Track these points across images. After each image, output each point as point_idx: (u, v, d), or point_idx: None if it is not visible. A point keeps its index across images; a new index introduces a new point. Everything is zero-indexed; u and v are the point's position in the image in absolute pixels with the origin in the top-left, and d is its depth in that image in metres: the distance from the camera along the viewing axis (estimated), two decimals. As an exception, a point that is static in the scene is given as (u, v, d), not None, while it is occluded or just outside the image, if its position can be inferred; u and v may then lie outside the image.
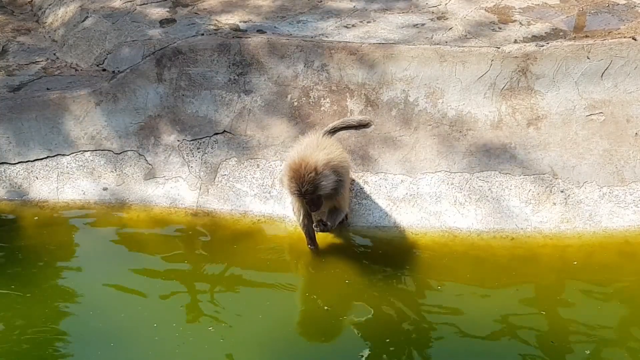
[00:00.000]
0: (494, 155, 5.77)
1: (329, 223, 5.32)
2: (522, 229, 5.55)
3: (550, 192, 5.66)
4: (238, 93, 6.10)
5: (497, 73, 5.88)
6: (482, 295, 5.12)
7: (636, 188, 5.63)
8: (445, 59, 5.93)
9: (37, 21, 7.53)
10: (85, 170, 6.05)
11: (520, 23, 6.48)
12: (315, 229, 5.33)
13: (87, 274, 5.35)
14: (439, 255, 5.40)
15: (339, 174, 5.11)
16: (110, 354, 4.70)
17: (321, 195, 5.07)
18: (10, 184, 6.03)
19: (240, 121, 6.06)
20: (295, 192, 5.01)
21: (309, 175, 4.95)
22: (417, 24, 6.52)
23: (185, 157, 6.02)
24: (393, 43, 6.16)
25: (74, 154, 6.10)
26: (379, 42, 6.19)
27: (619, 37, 5.97)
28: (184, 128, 6.09)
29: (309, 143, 5.20)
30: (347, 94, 6.02)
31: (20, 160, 6.10)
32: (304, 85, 6.06)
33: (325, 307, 5.07)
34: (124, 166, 6.05)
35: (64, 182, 6.01)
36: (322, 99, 6.04)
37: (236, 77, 6.13)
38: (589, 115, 5.81)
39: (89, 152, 6.10)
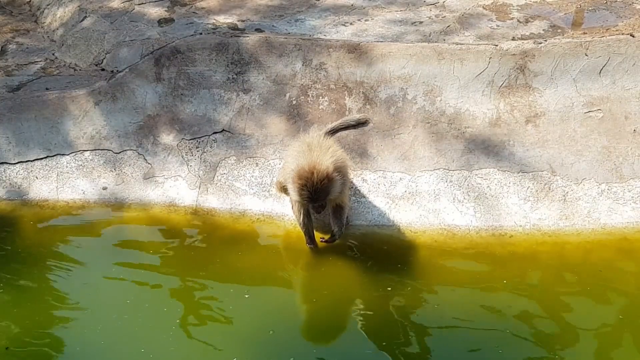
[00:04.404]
0: (492, 153, 5.78)
1: (336, 229, 5.32)
2: (520, 226, 5.55)
3: (549, 189, 5.67)
4: (237, 92, 6.11)
5: (495, 70, 5.89)
6: (481, 293, 5.13)
7: (634, 185, 5.64)
8: (443, 57, 5.93)
9: (35, 21, 7.54)
10: (84, 169, 6.06)
11: (518, 20, 6.48)
12: (326, 242, 5.39)
13: (87, 273, 5.36)
14: (437, 253, 5.41)
15: (343, 174, 5.11)
16: (108, 352, 4.71)
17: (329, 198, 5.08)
18: (10, 183, 6.04)
19: (239, 120, 6.07)
20: (307, 199, 4.98)
21: (322, 182, 4.92)
22: (415, 22, 6.53)
23: (185, 156, 6.03)
24: (391, 41, 6.16)
25: (74, 154, 6.11)
26: (377, 40, 6.19)
27: (616, 34, 5.98)
28: (183, 127, 6.10)
29: (311, 146, 5.17)
30: (346, 92, 6.03)
31: (19, 160, 6.11)
32: (302, 84, 6.07)
33: (324, 306, 5.08)
34: (123, 165, 6.06)
35: (63, 181, 6.02)
36: (321, 97, 6.04)
37: (234, 76, 6.14)
38: (587, 112, 5.81)
39: (88, 152, 6.11)
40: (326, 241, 5.45)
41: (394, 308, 5.03)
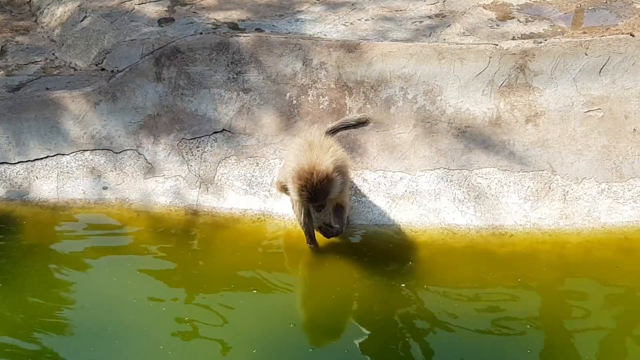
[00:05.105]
0: (492, 152, 5.79)
1: (337, 226, 5.33)
2: (521, 225, 5.56)
3: (549, 188, 5.68)
4: (237, 91, 6.11)
5: (496, 70, 5.89)
6: (481, 292, 5.14)
7: (634, 184, 5.65)
8: (443, 56, 5.94)
9: (35, 21, 7.54)
10: (85, 169, 6.06)
11: (518, 20, 6.49)
12: (325, 236, 5.38)
13: (87, 273, 5.36)
14: (438, 252, 5.42)
15: (343, 174, 5.12)
16: (107, 352, 4.71)
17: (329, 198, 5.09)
18: (10, 183, 6.04)
19: (239, 119, 6.07)
20: (307, 199, 5.00)
21: (322, 183, 4.93)
22: (415, 21, 6.53)
23: (185, 155, 6.03)
24: (391, 40, 6.17)
25: (74, 154, 6.11)
26: (377, 39, 6.20)
27: (616, 34, 5.98)
28: (183, 127, 6.10)
29: (311, 145, 5.17)
30: (346, 91, 6.03)
31: (20, 160, 6.11)
32: (302, 84, 6.07)
33: (325, 306, 5.09)
34: (123, 165, 6.06)
35: (64, 181, 6.02)
36: (321, 97, 6.05)
37: (235, 76, 6.14)
38: (587, 111, 5.82)
39: (88, 152, 6.11)
40: (325, 232, 5.41)
41: (394, 307, 5.04)
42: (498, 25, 6.41)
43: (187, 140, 6.06)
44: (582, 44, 5.87)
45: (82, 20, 7.02)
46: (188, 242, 5.60)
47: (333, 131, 5.80)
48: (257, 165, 5.95)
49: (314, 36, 6.31)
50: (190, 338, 4.80)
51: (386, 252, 5.45)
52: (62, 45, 7.01)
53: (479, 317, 4.93)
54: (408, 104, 5.95)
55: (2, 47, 7.14)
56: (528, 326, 4.87)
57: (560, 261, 5.34)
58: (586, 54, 5.85)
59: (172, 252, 5.52)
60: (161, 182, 5.98)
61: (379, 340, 4.81)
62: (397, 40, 6.17)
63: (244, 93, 6.11)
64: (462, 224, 5.58)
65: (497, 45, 5.96)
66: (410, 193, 5.73)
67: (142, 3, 7.08)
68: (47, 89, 6.39)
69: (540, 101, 5.85)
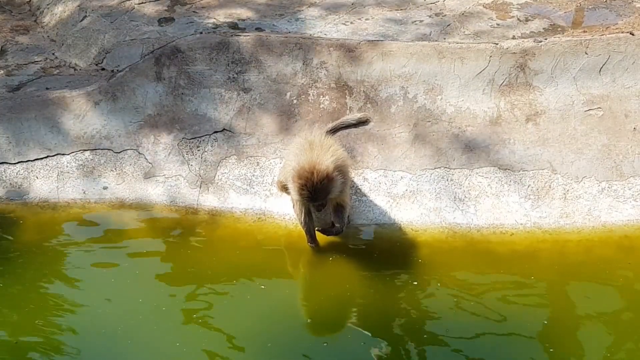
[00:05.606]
0: (493, 151, 5.79)
1: (337, 225, 5.34)
2: (521, 224, 5.57)
3: (550, 187, 5.68)
4: (237, 91, 6.11)
5: (496, 69, 5.90)
6: (481, 292, 5.14)
7: (635, 183, 5.66)
8: (443, 56, 5.94)
9: (35, 21, 7.53)
10: (85, 169, 6.06)
11: (518, 19, 6.49)
12: (326, 234, 5.40)
13: (89, 274, 5.37)
14: (438, 251, 5.43)
15: (344, 173, 5.13)
16: (121, 352, 4.71)
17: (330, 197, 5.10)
18: (10, 183, 6.03)
19: (240, 119, 6.07)
20: (307, 198, 5.01)
21: (322, 183, 4.94)
22: (415, 21, 6.54)
23: (185, 155, 6.03)
24: (392, 40, 6.17)
25: (74, 153, 6.11)
26: (377, 39, 6.20)
27: (616, 33, 5.99)
28: (184, 126, 6.10)
29: (312, 145, 5.17)
30: (346, 91, 6.04)
31: (20, 160, 6.10)
32: (302, 83, 6.08)
33: (326, 305, 5.09)
34: (124, 165, 6.06)
35: (64, 181, 6.02)
36: (321, 96, 6.05)
37: (235, 75, 6.14)
38: (588, 110, 5.83)
39: (88, 152, 6.11)
40: (325, 231, 5.43)
41: (395, 307, 5.04)
42: (498, 25, 6.42)
43: (187, 140, 6.06)
44: (582, 42, 5.87)
45: (82, 20, 7.02)
46: (189, 241, 5.60)
47: (333, 130, 5.81)
48: (258, 165, 5.95)
49: (314, 36, 6.31)
50: (203, 334, 4.81)
51: (387, 251, 5.45)
52: (62, 45, 7.01)
53: (482, 316, 4.93)
54: (408, 103, 5.95)
55: (2, 47, 7.13)
56: (529, 324, 4.88)
57: (560, 260, 5.34)
58: (586, 53, 5.86)
59: (173, 251, 5.53)
60: (161, 182, 5.98)
61: (379, 340, 4.81)
62: (397, 40, 6.17)
63: (244, 93, 6.11)
64: (462, 223, 5.59)
65: (497, 44, 5.96)
66: (411, 192, 5.73)
67: (142, 3, 7.08)
68: (47, 88, 6.39)
69: (541, 100, 5.86)
